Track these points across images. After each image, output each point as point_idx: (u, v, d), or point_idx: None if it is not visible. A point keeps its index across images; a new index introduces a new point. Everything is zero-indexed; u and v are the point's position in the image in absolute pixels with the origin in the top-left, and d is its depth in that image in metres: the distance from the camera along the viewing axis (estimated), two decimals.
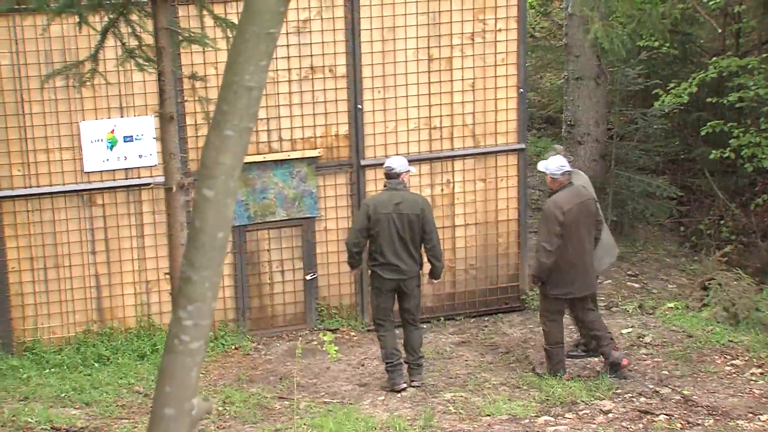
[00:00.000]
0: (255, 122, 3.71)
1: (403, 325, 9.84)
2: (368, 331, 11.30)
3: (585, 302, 9.87)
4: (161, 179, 7.35)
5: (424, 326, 10.94)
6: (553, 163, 9.68)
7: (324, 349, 8.68)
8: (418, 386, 9.71)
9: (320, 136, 11.12)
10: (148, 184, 10.48)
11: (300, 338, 11.09)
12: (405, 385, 9.72)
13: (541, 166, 9.73)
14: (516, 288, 11.94)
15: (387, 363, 9.76)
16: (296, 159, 11.04)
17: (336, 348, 8.62)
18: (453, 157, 11.48)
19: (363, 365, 10.59)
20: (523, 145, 11.71)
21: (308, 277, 11.21)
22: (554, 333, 9.83)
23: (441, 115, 11.37)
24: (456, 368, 10.32)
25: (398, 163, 9.67)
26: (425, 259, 9.79)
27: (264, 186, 11.09)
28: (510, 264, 11.84)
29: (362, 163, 11.26)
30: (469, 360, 10.56)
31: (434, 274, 9.81)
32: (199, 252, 3.74)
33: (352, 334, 11.21)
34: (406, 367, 9.94)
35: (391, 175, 9.66)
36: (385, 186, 9.74)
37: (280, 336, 11.38)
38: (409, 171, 9.78)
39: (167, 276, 8.39)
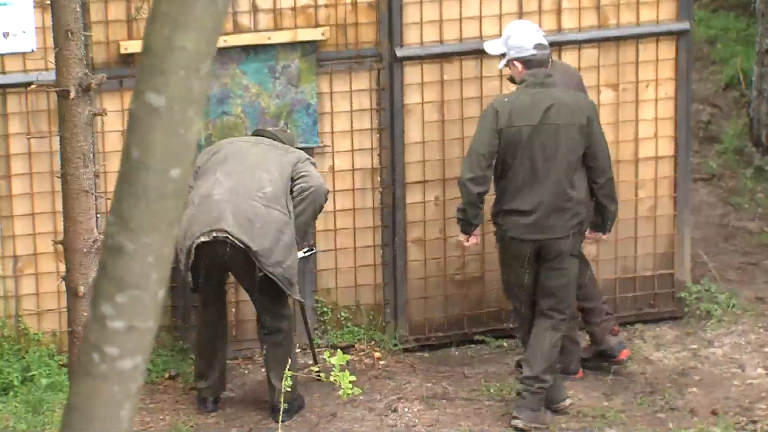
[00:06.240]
0: None
1: (534, 319, 8.57)
2: (405, 350, 9.57)
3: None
4: (49, 76, 6.97)
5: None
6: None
7: (331, 380, 7.50)
8: (522, 428, 8.55)
9: (324, 5, 9.06)
10: (27, 83, 8.56)
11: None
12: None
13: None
14: (668, 279, 9.71)
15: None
16: (281, 44, 9.28)
17: (352, 379, 7.36)
18: (559, 44, 9.29)
19: (396, 411, 8.96)
20: (686, 25, 9.41)
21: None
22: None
23: None
24: (561, 419, 8.88)
25: (543, 39, 8.21)
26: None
27: (224, 92, 8.98)
28: (659, 237, 9.74)
29: (399, 53, 8.97)
30: (584, 403, 8.97)
31: (604, 223, 8.36)
32: (140, 203, 3.08)
33: (377, 355, 9.40)
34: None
35: (536, 61, 8.13)
36: (523, 81, 8.14)
37: (250, 357, 9.40)
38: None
39: (57, 247, 7.65)
